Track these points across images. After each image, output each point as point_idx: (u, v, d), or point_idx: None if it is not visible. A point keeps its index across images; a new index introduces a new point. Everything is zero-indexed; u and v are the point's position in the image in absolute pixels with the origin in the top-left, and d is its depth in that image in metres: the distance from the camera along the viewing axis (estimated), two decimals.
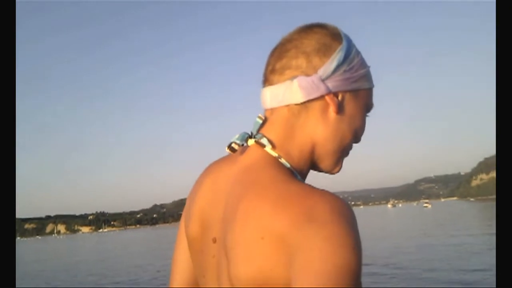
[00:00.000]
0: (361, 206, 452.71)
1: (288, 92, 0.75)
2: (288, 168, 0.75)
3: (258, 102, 0.83)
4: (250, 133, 0.80)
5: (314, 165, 0.81)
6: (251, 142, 0.78)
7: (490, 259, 15.71)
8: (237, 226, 0.68)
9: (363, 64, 0.80)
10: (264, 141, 0.77)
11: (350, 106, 0.78)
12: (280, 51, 0.79)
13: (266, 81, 0.79)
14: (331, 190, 0.67)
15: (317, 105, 0.76)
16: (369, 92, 0.82)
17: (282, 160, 0.76)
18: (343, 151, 0.81)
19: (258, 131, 0.79)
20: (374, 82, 0.84)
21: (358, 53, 0.80)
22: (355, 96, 0.79)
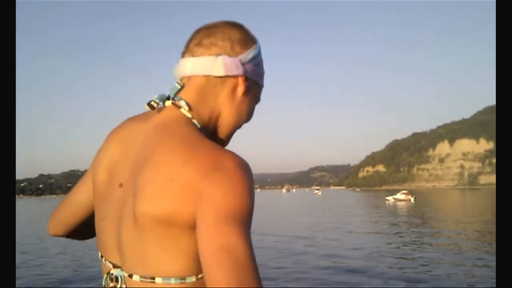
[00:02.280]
0: (258, 189, 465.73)
1: (211, 64, 0.89)
2: (199, 128, 0.87)
3: None
4: (167, 96, 0.91)
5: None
6: (168, 103, 0.90)
7: (367, 240, 17.78)
8: (147, 170, 0.79)
9: (263, 66, 0.98)
10: (182, 103, 0.88)
11: (251, 92, 0.95)
12: (208, 31, 0.92)
13: (189, 52, 0.92)
14: None
15: (231, 82, 0.91)
16: (261, 88, 1.00)
17: (195, 121, 0.88)
18: (236, 128, 0.97)
19: (175, 94, 0.91)
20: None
21: (261, 56, 0.98)
22: (255, 86, 0.96)
